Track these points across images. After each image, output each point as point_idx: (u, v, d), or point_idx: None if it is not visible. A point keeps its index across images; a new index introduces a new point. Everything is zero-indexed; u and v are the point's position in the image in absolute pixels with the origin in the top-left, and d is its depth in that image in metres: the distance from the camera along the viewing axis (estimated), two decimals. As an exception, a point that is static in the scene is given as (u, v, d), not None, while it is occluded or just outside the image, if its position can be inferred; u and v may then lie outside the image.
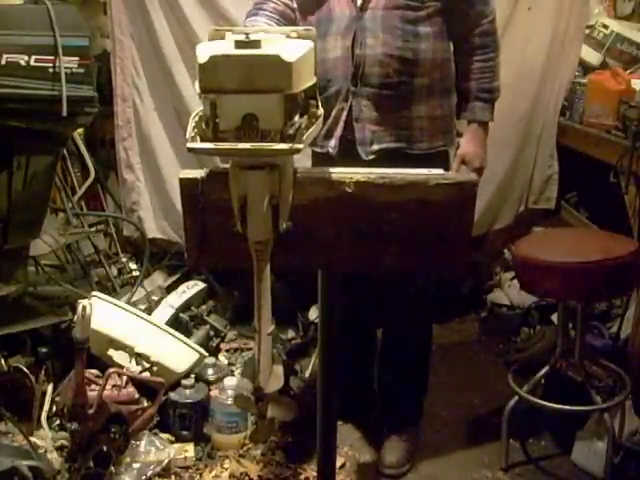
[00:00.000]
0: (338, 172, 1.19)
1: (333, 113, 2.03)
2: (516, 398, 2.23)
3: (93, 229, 3.03)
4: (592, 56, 3.15)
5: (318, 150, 2.10)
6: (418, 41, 1.97)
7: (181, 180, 1.18)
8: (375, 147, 2.02)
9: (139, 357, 2.32)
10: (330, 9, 2.00)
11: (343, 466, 2.26)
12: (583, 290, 2.04)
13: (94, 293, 2.46)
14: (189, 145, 1.00)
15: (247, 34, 0.96)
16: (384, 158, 1.97)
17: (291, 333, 3.01)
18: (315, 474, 1.70)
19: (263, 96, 0.95)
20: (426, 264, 1.33)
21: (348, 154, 2.00)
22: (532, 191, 3.31)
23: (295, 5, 2.08)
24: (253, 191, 1.04)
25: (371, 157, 2.00)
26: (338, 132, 2.04)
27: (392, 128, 2.02)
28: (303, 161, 1.97)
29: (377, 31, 1.95)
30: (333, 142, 2.05)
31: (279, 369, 1.19)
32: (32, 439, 2.08)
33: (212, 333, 2.82)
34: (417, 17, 1.97)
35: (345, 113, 2.02)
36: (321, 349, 1.34)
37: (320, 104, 1.14)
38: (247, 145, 0.96)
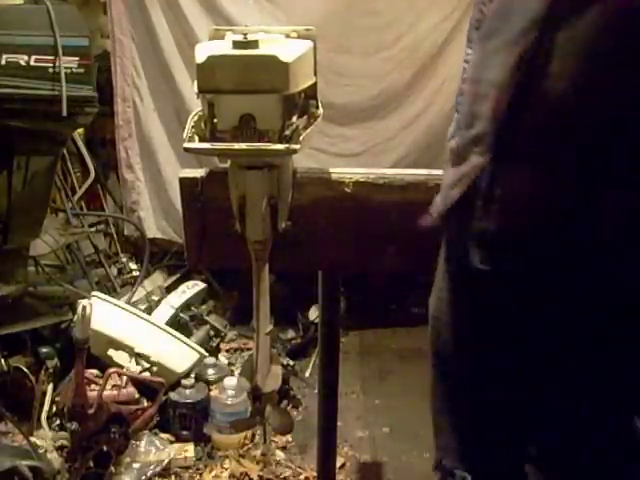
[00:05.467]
0: (338, 172, 1.19)
1: None
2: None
3: (93, 229, 3.03)
4: (592, 56, 3.14)
5: None
6: None
7: (181, 180, 1.19)
8: None
9: (139, 357, 2.32)
10: None
11: (343, 466, 2.25)
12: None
13: (94, 293, 2.46)
14: (186, 145, 1.00)
15: (245, 34, 0.96)
16: None
17: (291, 333, 3.01)
18: (315, 474, 1.70)
19: (260, 96, 0.95)
20: (426, 265, 1.33)
21: None
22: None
23: None
24: (251, 191, 1.04)
25: None
26: None
27: None
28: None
29: None
30: None
31: (277, 369, 1.19)
32: (32, 439, 2.08)
33: (212, 333, 2.81)
34: None
35: None
36: (321, 349, 1.34)
37: (320, 104, 1.13)
38: (243, 145, 0.96)
